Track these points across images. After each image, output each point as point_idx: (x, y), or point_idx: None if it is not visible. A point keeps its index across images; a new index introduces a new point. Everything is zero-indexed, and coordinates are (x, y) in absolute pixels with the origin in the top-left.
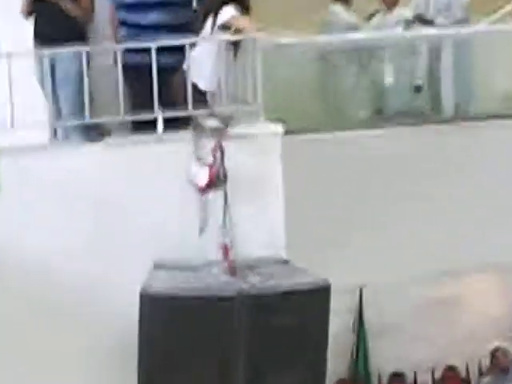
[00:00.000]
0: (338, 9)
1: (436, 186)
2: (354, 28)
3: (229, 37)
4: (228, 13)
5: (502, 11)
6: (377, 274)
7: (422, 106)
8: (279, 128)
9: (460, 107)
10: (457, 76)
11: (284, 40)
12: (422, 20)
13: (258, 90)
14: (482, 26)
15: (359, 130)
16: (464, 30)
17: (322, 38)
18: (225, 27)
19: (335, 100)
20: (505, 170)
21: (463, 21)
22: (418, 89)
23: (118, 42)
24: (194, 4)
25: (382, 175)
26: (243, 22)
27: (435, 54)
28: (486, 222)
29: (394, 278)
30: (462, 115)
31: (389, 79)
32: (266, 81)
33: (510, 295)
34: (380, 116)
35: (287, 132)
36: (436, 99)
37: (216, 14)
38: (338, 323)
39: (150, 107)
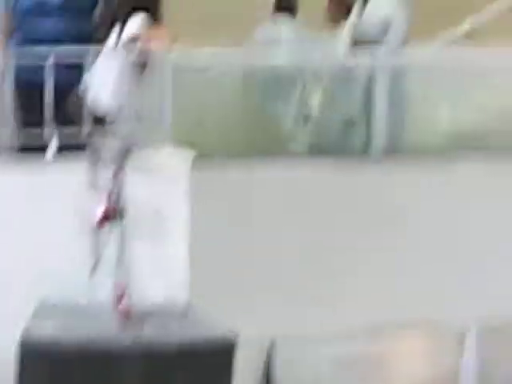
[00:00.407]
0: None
1: (364, 231)
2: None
3: (136, 50)
4: (136, 23)
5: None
6: (291, 327)
7: (356, 141)
8: (189, 155)
9: (395, 143)
10: (392, 108)
11: (201, 55)
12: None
13: (167, 112)
14: (424, 55)
15: (285, 161)
16: (405, 59)
17: (248, 57)
18: (132, 39)
19: (259, 128)
20: (444, 216)
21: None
22: (350, 123)
23: (7, 52)
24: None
25: (304, 216)
26: (154, 33)
27: (371, 82)
28: (418, 273)
29: (310, 332)
30: (396, 152)
31: (319, 108)
32: (178, 101)
33: (439, 358)
34: (308, 149)
35: (200, 158)
36: (370, 133)
37: (123, 24)
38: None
39: (42, 128)
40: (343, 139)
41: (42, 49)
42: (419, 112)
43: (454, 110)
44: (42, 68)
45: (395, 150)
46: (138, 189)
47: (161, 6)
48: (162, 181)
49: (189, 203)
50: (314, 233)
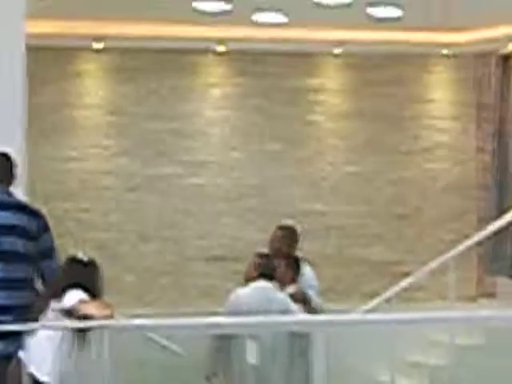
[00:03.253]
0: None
1: None
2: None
3: (74, 323)
4: (74, 297)
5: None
6: None
7: None
8: None
9: None
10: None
11: (137, 322)
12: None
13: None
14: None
15: None
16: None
17: (183, 321)
18: (70, 313)
19: None
20: None
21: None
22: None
23: None
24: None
25: None
26: (91, 307)
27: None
28: None
29: None
30: None
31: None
32: (118, 368)
33: None
34: None
35: None
36: None
37: (61, 298)
38: None
39: None
40: None
41: None
42: (358, 371)
43: (389, 368)
44: None
45: None
46: None
47: (99, 283)
48: None
49: None
50: None
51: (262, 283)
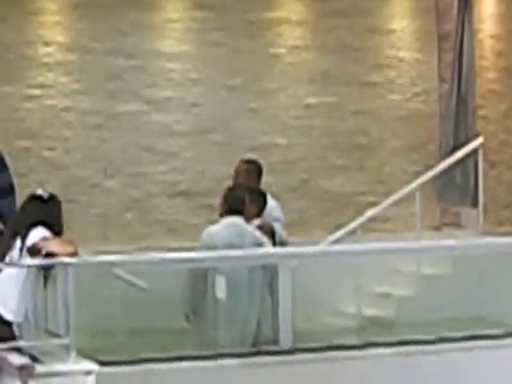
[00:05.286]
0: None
1: None
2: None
3: (38, 261)
4: (38, 234)
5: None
6: None
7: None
8: (93, 365)
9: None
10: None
11: (102, 258)
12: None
13: (71, 322)
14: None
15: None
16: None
17: (147, 256)
18: (34, 250)
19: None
20: None
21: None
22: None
23: None
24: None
25: None
26: (53, 245)
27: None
28: None
29: None
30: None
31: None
32: (83, 304)
33: None
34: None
35: (105, 364)
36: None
37: (25, 236)
38: None
39: None
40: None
41: None
42: (324, 302)
43: (358, 300)
44: None
45: (302, 340)
46: None
47: (60, 218)
48: None
49: None
50: None
51: (232, 219)
